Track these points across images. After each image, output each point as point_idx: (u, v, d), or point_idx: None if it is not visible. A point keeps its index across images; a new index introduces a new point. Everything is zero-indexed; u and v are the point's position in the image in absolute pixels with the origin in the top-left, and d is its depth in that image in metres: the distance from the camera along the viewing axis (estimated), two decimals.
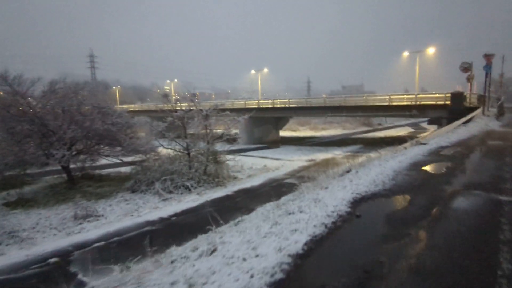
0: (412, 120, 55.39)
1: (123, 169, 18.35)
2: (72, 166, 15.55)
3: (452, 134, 12.88)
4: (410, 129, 44.38)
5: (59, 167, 15.03)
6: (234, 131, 41.33)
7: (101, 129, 13.31)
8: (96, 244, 7.26)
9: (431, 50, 30.01)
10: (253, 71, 44.46)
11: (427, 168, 7.28)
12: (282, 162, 22.08)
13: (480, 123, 15.44)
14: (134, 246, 6.60)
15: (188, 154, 15.79)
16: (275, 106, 32.61)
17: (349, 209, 4.53)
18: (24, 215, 11.89)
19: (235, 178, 16.93)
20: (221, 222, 5.21)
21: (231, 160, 18.04)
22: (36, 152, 12.67)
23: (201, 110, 16.52)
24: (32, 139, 12.77)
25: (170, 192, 13.88)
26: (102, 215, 11.59)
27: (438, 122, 24.61)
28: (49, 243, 8.33)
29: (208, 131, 15.96)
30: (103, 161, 17.30)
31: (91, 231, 8.59)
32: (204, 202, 10.73)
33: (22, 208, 12.59)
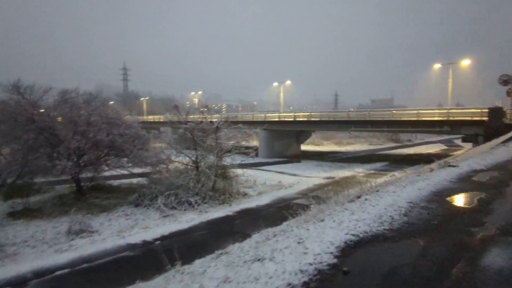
0: (446, 137, 51.67)
1: (136, 180, 17.96)
2: (84, 175, 15.36)
3: (489, 155, 11.07)
4: (443, 146, 41.17)
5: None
6: (253, 144, 40.64)
7: (106, 140, 12.93)
8: (59, 272, 6.50)
9: (465, 62, 27.61)
10: (275, 84, 43.67)
11: (453, 199, 5.84)
12: (298, 179, 20.75)
13: None
14: (93, 280, 5.76)
15: (197, 167, 15.04)
16: (297, 119, 31.41)
17: (335, 260, 3.35)
18: (23, 226, 11.56)
19: (245, 194, 15.90)
20: (176, 263, 4.18)
21: (241, 175, 17.09)
22: (41, 161, 12.50)
23: (211, 122, 15.83)
24: (38, 148, 12.62)
25: (173, 208, 13.10)
26: (97, 231, 10.97)
27: (474, 139, 22.20)
28: (28, 262, 7.74)
29: (217, 144, 15.17)
30: (115, 172, 17.01)
31: (63, 255, 7.86)
32: (199, 224, 9.78)
33: (25, 219, 12.30)
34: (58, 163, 11.87)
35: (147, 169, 16.27)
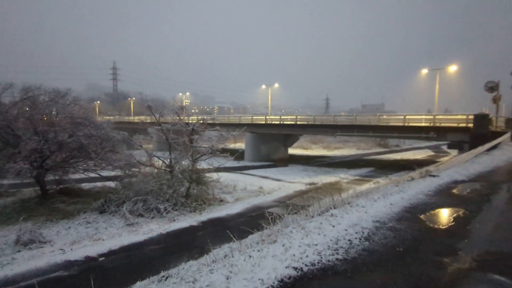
0: (434, 142, 51.58)
1: (114, 184, 16.85)
2: (53, 178, 14.30)
3: (472, 164, 10.42)
4: (430, 152, 40.88)
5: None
6: (241, 146, 39.78)
7: (69, 141, 11.93)
8: None
9: (452, 68, 27.24)
10: (263, 86, 42.89)
11: (428, 217, 5.07)
12: (281, 184, 19.95)
13: (507, 151, 12.80)
14: None
15: (171, 171, 14.10)
16: (283, 122, 30.68)
17: None
18: None
19: (221, 201, 15.02)
20: None
21: (220, 180, 16.22)
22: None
23: (187, 124, 14.93)
24: None
25: (140, 215, 12.12)
26: (50, 241, 9.93)
27: (459, 146, 21.75)
28: None
29: (192, 147, 14.25)
30: (93, 175, 15.92)
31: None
32: (157, 236, 8.82)
33: None
34: (11, 165, 10.83)
35: (120, 173, 15.28)
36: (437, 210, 5.43)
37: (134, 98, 64.51)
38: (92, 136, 13.07)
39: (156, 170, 14.11)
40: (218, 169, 20.45)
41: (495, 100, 19.68)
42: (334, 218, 5.08)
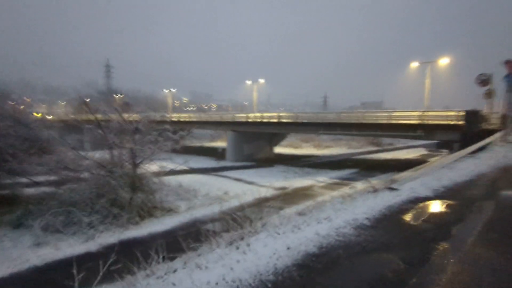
0: (429, 141, 49.18)
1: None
2: None
3: (449, 170, 8.24)
4: (424, 151, 38.46)
5: None
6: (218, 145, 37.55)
7: None
8: None
9: (443, 61, 24.86)
10: (248, 82, 40.61)
11: (324, 280, 2.98)
12: (250, 188, 17.87)
13: (496, 153, 10.58)
14: None
15: (107, 177, 12.05)
16: (264, 120, 28.53)
17: None
18: None
19: (169, 210, 12.97)
20: None
21: (164, 186, 14.21)
22: None
23: (130, 122, 12.91)
24: None
25: (57, 231, 10.13)
26: None
27: (449, 146, 19.54)
28: None
29: (132, 149, 12.20)
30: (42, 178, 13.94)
31: None
32: (25, 270, 6.78)
33: None
34: None
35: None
36: (355, 260, 3.31)
37: (119, 95, 62.58)
38: (10, 136, 11.06)
39: (89, 175, 12.10)
40: (192, 171, 18.46)
41: (488, 95, 17.41)
42: (229, 258, 3.08)
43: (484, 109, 19.35)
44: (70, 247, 8.37)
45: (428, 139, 21.59)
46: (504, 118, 15.13)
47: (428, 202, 5.51)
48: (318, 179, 19.82)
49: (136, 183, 11.75)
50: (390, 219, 4.62)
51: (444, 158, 10.98)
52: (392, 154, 36.91)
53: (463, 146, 16.34)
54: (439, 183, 6.83)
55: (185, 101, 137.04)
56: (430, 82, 26.97)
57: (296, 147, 43.45)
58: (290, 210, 6.95)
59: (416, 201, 5.55)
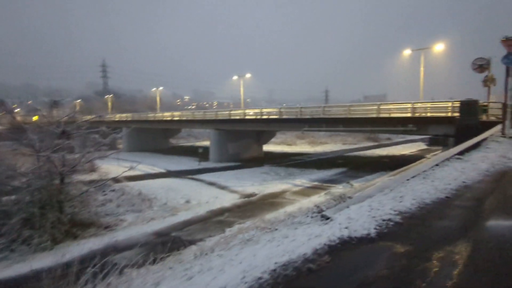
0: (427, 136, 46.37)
1: None
2: None
3: (421, 182, 5.97)
4: (423, 146, 35.81)
5: None
6: (201, 145, 35.52)
7: None
8: None
9: (438, 47, 22.23)
10: (235, 77, 38.39)
11: None
12: (218, 194, 15.83)
13: (491, 153, 8.24)
14: None
15: (22, 191, 10.07)
16: (245, 118, 26.34)
17: None
18: None
19: (107, 227, 10.96)
20: None
21: (120, 195, 12.19)
22: None
23: (58, 123, 10.92)
24: None
25: None
26: None
27: (443, 142, 17.08)
28: None
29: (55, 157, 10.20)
30: None
31: None
32: None
33: None
34: None
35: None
36: None
37: (112, 95, 61.13)
38: None
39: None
40: (167, 174, 16.33)
41: (486, 82, 14.94)
42: None
43: (488, 98, 16.90)
44: None
45: (421, 134, 19.19)
46: (504, 108, 12.68)
47: (358, 250, 3.31)
48: (296, 182, 17.55)
49: (56, 197, 9.69)
50: None
51: (428, 160, 8.72)
52: (388, 149, 34.29)
53: (459, 141, 13.99)
54: (397, 205, 4.60)
55: (186, 99, 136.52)
56: (426, 70, 24.44)
57: (290, 144, 41.18)
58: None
59: (341, 249, 3.35)
